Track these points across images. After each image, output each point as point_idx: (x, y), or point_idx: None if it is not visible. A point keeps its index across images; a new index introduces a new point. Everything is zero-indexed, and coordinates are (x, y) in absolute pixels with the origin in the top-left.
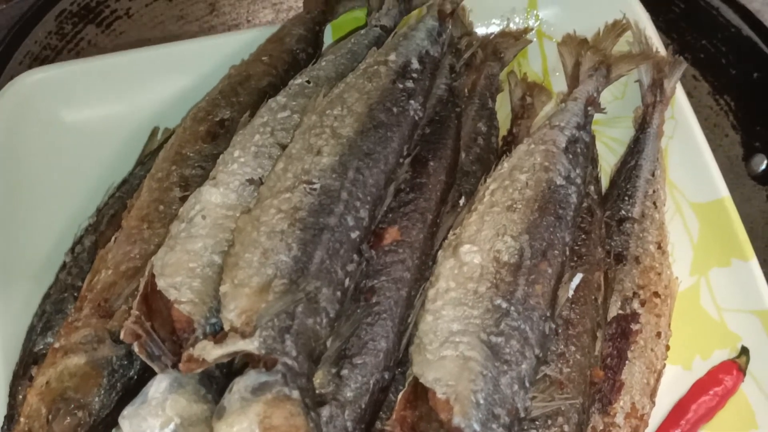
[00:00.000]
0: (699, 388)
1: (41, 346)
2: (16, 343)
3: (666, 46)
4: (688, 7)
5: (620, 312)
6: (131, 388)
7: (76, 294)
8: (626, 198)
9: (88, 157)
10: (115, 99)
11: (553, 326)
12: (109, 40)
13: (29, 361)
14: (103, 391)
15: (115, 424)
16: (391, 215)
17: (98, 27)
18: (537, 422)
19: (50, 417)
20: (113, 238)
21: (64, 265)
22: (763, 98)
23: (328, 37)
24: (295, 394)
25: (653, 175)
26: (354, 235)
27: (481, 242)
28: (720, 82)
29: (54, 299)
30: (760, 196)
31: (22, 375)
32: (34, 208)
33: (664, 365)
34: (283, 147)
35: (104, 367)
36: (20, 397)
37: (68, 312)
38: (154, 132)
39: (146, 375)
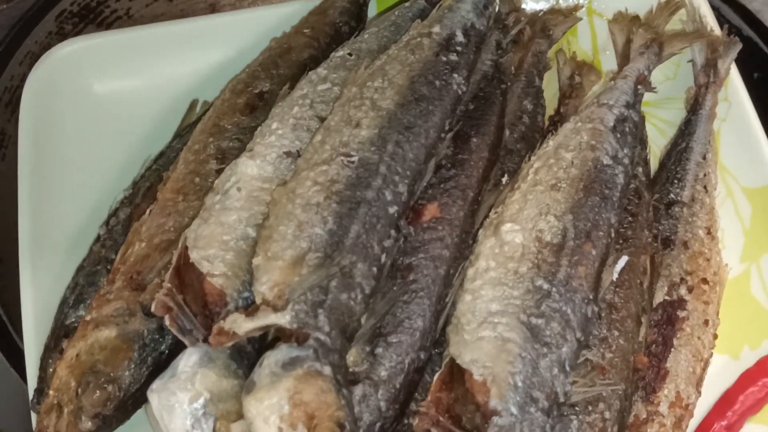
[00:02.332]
0: (747, 378)
1: (73, 319)
2: (48, 316)
3: (721, 26)
4: None
5: (666, 298)
6: (162, 363)
7: (109, 267)
8: (676, 181)
9: (125, 129)
10: (153, 71)
11: (596, 309)
12: None
13: (60, 333)
14: (133, 366)
15: (145, 399)
16: (430, 191)
17: (98, 27)
18: (577, 408)
19: (79, 390)
20: (148, 211)
21: (98, 238)
22: (763, 98)
23: (372, 10)
24: (327, 370)
25: (704, 158)
26: (392, 210)
27: (524, 221)
28: None
29: (87, 272)
30: None
31: (53, 348)
32: (69, 180)
33: (711, 354)
34: (322, 120)
35: (135, 340)
36: (51, 370)
37: (101, 285)
38: (193, 105)
39: (177, 350)
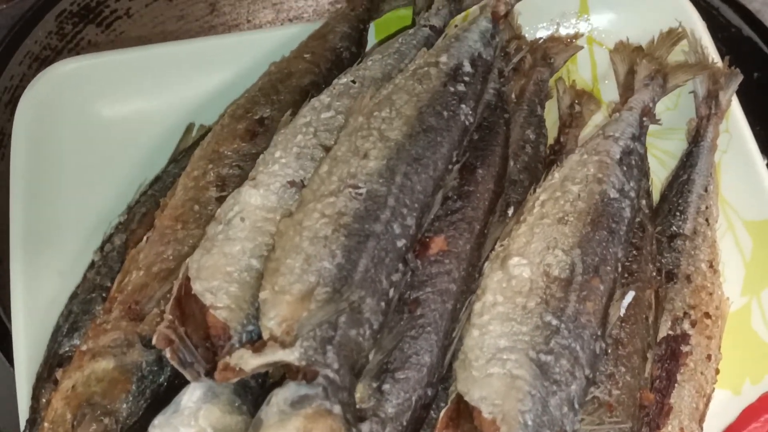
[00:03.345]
0: (749, 414)
1: (67, 348)
2: (41, 344)
3: (722, 57)
4: None
5: (670, 333)
6: (161, 395)
7: (104, 294)
8: (678, 213)
9: (120, 152)
10: (149, 93)
11: (604, 346)
12: (109, 40)
13: (54, 363)
14: (131, 398)
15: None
16: (437, 224)
17: (98, 27)
18: None
19: (75, 422)
20: (145, 238)
21: (92, 264)
22: (763, 98)
23: (372, 36)
24: (337, 408)
25: (706, 190)
26: (400, 243)
27: (531, 255)
28: None
29: (81, 299)
30: None
31: (46, 377)
32: (62, 203)
33: (714, 389)
34: (327, 148)
35: (133, 372)
36: (43, 400)
37: (96, 313)
38: (190, 128)
39: (177, 382)
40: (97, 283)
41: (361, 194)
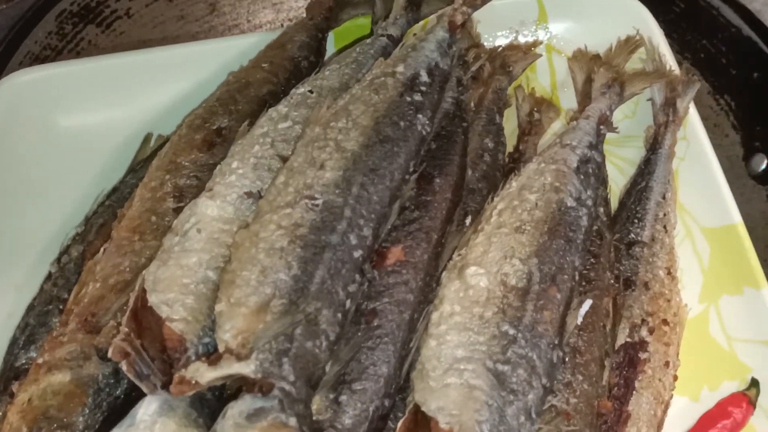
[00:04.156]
0: (707, 420)
1: (23, 361)
2: None
3: (679, 64)
4: (688, 7)
5: (628, 340)
6: (117, 408)
7: (61, 307)
8: (636, 221)
9: (77, 162)
10: (106, 103)
11: (561, 354)
12: (109, 41)
13: (10, 375)
14: (87, 411)
15: None
16: (394, 234)
17: (98, 27)
18: None
19: None
20: (102, 249)
21: (49, 276)
22: (763, 98)
23: (331, 45)
24: (293, 421)
25: (664, 197)
26: (356, 254)
27: (488, 264)
28: (720, 82)
29: (38, 311)
30: (760, 196)
31: (2, 390)
32: (18, 214)
33: (672, 396)
34: (284, 159)
35: (89, 385)
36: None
37: (53, 325)
38: (147, 138)
39: (133, 395)
40: (53, 294)
41: (317, 205)
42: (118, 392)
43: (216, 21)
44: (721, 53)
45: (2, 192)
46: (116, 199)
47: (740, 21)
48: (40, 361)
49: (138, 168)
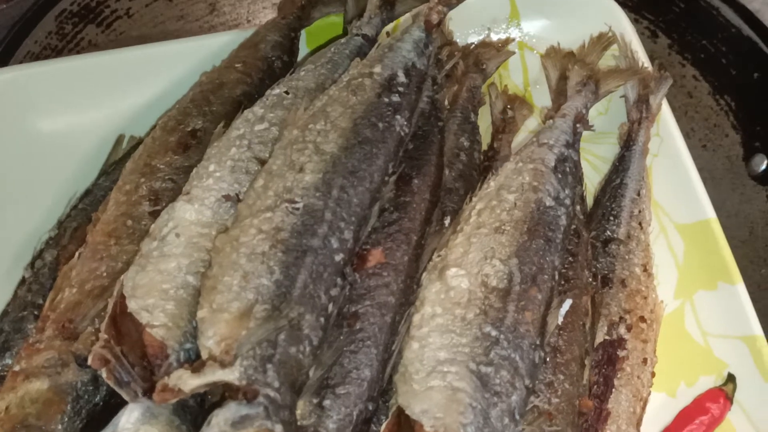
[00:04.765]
0: (685, 416)
1: None
2: None
3: (668, 58)
4: (688, 7)
5: (606, 338)
6: (96, 415)
7: (36, 312)
8: (611, 218)
9: (48, 165)
10: (78, 104)
11: (543, 355)
12: (109, 41)
13: None
14: (66, 419)
15: None
16: (374, 236)
17: (98, 27)
18: None
19: None
20: (77, 254)
21: (23, 281)
22: (763, 98)
23: (303, 44)
24: (278, 428)
25: (639, 194)
26: (338, 257)
27: (469, 265)
28: (720, 82)
29: (12, 318)
30: (760, 196)
31: None
32: None
33: (650, 393)
34: (261, 161)
35: (68, 392)
36: None
37: (28, 332)
38: (119, 140)
39: (112, 401)
40: (28, 300)
41: (297, 209)
42: (97, 399)
43: (216, 21)
44: (721, 53)
45: None
46: (89, 202)
47: (740, 21)
48: (17, 368)
49: (111, 170)
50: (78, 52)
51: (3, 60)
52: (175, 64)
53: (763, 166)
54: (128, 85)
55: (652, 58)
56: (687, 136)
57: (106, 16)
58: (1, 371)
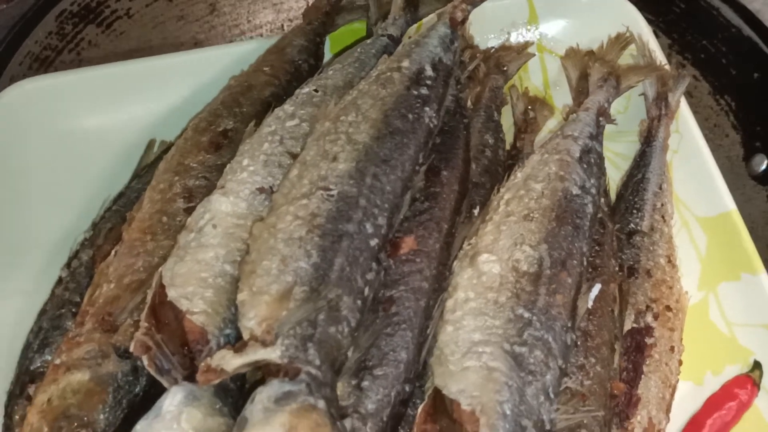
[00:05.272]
0: (713, 403)
1: (38, 364)
2: (11, 362)
3: (668, 59)
4: (688, 7)
5: (634, 325)
6: (137, 405)
7: (74, 310)
8: (635, 211)
9: (83, 169)
10: (110, 110)
11: (574, 337)
12: (110, 41)
13: (26, 380)
14: (108, 409)
15: None
16: (406, 224)
17: (98, 27)
18: None
19: None
20: (113, 251)
21: (60, 281)
22: (763, 98)
23: (327, 51)
24: (321, 404)
25: (661, 188)
26: (373, 242)
27: (499, 252)
28: (720, 82)
29: (51, 315)
30: (760, 196)
31: (18, 394)
32: (24, 221)
33: (678, 380)
34: (293, 156)
35: (109, 383)
36: (17, 417)
37: (67, 328)
38: (151, 144)
39: (152, 391)
40: (66, 298)
41: (332, 196)
42: (137, 389)
43: (216, 21)
44: (721, 53)
45: (8, 199)
46: (123, 204)
47: (740, 21)
48: (57, 362)
49: (143, 173)
50: (78, 53)
51: (3, 60)
52: (203, 70)
53: (763, 166)
54: (158, 92)
55: None
56: None
57: (106, 16)
58: (42, 367)
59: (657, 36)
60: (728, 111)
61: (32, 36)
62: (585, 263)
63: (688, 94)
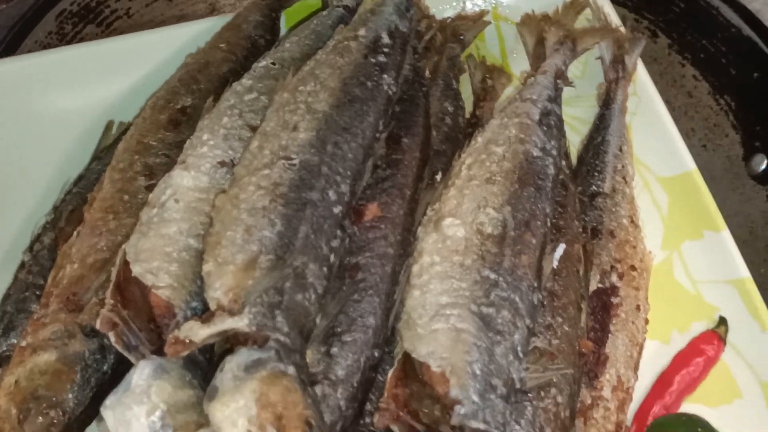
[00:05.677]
0: (681, 359)
1: (4, 348)
2: None
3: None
4: (688, 7)
5: (600, 286)
6: (105, 383)
7: (38, 293)
8: (596, 174)
9: (41, 153)
10: (67, 93)
11: (540, 297)
12: None
13: None
14: (76, 388)
15: (90, 421)
16: (369, 192)
17: (98, 27)
18: (530, 394)
19: (21, 417)
20: (76, 233)
21: (22, 265)
22: (763, 98)
23: (283, 27)
24: (291, 369)
25: (621, 150)
26: (336, 210)
27: (463, 215)
28: (720, 82)
29: (15, 299)
30: (760, 196)
31: None
32: None
33: (645, 338)
34: (253, 129)
35: (77, 362)
36: None
37: (31, 311)
38: (109, 126)
39: (120, 369)
40: (29, 282)
41: (294, 165)
42: (105, 368)
43: None
44: (721, 53)
45: None
46: (83, 186)
47: (740, 21)
48: (23, 344)
49: (102, 155)
50: None
51: None
52: (159, 51)
53: (763, 166)
54: (115, 74)
55: (652, 58)
56: (687, 136)
57: (106, 16)
58: (8, 351)
59: (657, 36)
60: (728, 111)
61: (32, 36)
62: (549, 224)
63: (688, 95)
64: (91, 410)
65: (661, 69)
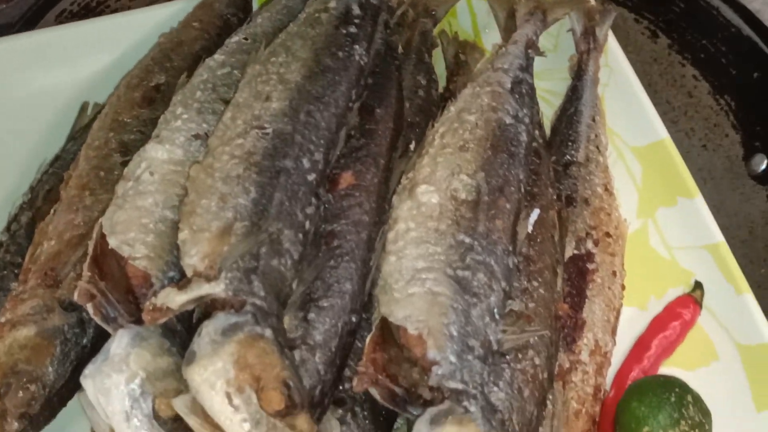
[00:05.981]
0: (658, 323)
1: None
2: None
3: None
4: (688, 7)
5: (575, 252)
6: (85, 356)
7: (16, 271)
8: (569, 143)
9: (17, 135)
10: (42, 75)
11: (516, 261)
12: None
13: None
14: (56, 362)
15: (71, 395)
16: (343, 160)
17: None
18: (508, 357)
19: (2, 392)
20: (52, 210)
21: (0, 244)
22: (763, 98)
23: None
24: (268, 332)
25: (594, 120)
26: (310, 177)
27: (437, 182)
28: (720, 82)
29: None
30: (760, 196)
31: None
32: None
33: (622, 304)
34: (226, 102)
35: (56, 336)
36: None
37: (10, 289)
38: (84, 107)
39: (100, 343)
40: (7, 261)
41: (267, 134)
42: (85, 341)
43: None
44: (721, 53)
45: None
46: (60, 166)
47: (740, 21)
48: (2, 320)
49: (78, 136)
50: None
51: None
52: (133, 32)
53: (763, 166)
54: (90, 56)
55: (652, 58)
56: (687, 136)
57: None
58: None
59: (657, 36)
60: (728, 111)
61: None
62: (522, 190)
63: (688, 95)
64: (72, 384)
65: (661, 69)
